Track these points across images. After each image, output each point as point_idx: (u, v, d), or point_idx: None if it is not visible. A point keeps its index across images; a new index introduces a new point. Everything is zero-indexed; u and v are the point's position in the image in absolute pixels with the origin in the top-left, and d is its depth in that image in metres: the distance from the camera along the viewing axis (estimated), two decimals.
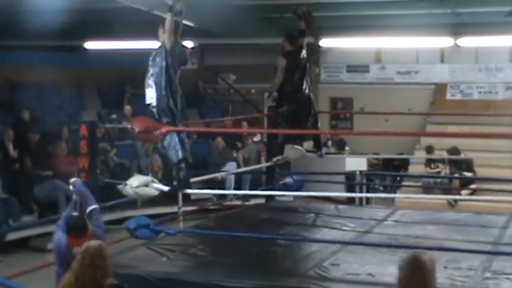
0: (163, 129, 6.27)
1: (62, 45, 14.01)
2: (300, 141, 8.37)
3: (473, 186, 11.98)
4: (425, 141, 13.66)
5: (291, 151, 8.30)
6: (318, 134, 9.00)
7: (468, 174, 12.18)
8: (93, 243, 4.29)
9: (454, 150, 12.09)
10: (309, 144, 8.83)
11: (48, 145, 12.18)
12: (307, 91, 8.41)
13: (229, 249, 6.20)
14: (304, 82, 8.37)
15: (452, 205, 11.37)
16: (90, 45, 13.88)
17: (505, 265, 5.58)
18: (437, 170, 12.39)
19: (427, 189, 12.05)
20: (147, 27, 12.41)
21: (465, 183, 12.07)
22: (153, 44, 14.40)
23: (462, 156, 12.14)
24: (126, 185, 5.90)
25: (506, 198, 9.94)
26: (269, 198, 9.26)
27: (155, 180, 6.05)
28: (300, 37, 8.39)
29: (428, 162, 12.61)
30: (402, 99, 14.85)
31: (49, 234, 10.66)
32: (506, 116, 12.78)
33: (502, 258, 5.79)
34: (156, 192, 6.02)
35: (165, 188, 6.22)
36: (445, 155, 12.36)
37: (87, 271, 4.13)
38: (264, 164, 10.28)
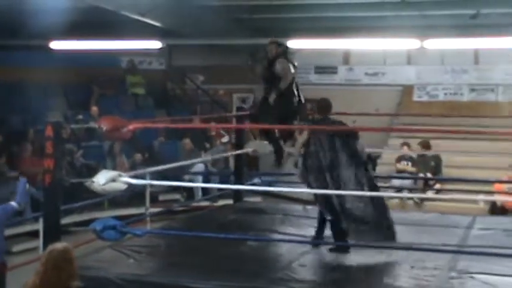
0: (131, 126, 6.20)
1: (28, 45, 13.82)
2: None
3: (438, 186, 12.10)
4: (393, 142, 13.77)
5: (258, 145, 8.45)
6: (292, 131, 8.88)
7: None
8: (58, 245, 4.24)
9: (425, 144, 12.16)
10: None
11: (13, 146, 12.01)
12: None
13: (197, 251, 6.17)
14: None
15: (418, 205, 11.47)
16: (56, 45, 13.72)
17: (470, 264, 5.65)
18: (406, 167, 12.48)
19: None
20: (113, 27, 12.39)
21: (431, 183, 12.20)
22: (118, 44, 14.31)
23: (432, 152, 12.24)
24: (93, 182, 5.81)
25: (470, 197, 10.05)
26: (237, 199, 9.25)
27: (122, 174, 5.94)
28: None
29: (399, 158, 12.73)
30: (370, 100, 14.94)
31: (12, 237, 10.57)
32: (470, 117, 12.94)
33: (466, 257, 5.86)
34: (125, 186, 5.92)
35: (134, 181, 6.12)
36: (413, 155, 12.48)
37: (52, 274, 4.07)
38: (240, 151, 9.89)
